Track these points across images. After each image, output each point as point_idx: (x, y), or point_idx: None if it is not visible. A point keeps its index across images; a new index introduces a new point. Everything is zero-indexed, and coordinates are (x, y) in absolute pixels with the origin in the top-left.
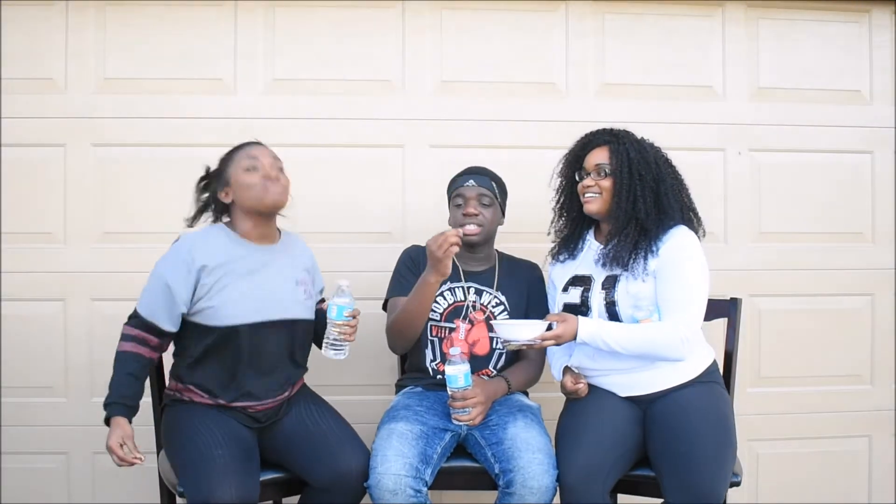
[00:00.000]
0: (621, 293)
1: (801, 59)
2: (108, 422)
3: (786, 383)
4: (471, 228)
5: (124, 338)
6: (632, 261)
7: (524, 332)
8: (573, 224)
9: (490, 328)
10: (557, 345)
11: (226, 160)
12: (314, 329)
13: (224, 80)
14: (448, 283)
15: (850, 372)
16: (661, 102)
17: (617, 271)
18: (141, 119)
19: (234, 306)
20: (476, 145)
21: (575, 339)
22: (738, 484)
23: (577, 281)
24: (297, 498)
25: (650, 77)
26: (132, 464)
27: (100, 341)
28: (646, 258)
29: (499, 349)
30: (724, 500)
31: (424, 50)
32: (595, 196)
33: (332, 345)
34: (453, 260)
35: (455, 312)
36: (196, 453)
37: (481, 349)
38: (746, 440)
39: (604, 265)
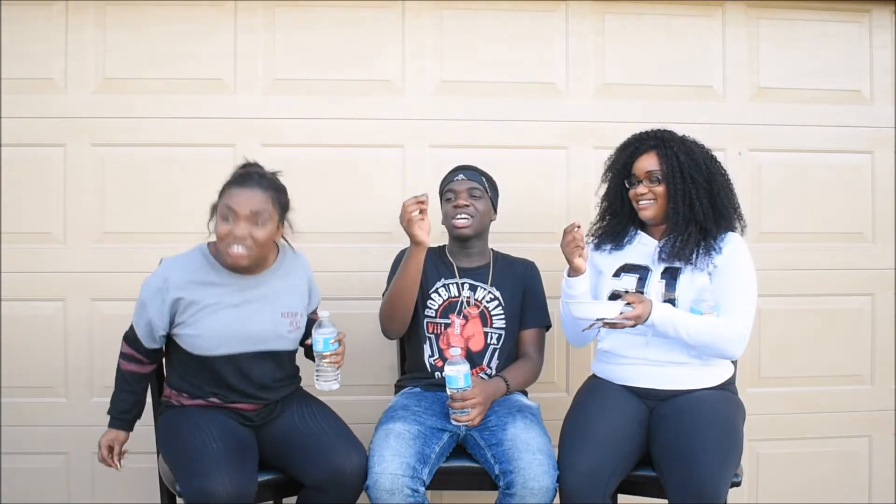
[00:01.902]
0: (684, 285)
1: (801, 59)
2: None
3: (786, 383)
4: (461, 222)
5: (122, 356)
6: (695, 256)
7: (607, 309)
8: (619, 220)
9: (485, 323)
10: (634, 325)
11: (223, 187)
12: (301, 342)
13: (224, 80)
14: (442, 279)
15: (850, 372)
16: (660, 102)
17: (678, 264)
18: (141, 119)
19: (208, 339)
20: (476, 145)
21: (646, 320)
22: (738, 484)
23: (630, 269)
24: (296, 498)
25: (650, 77)
26: (109, 466)
27: (100, 341)
28: (709, 254)
29: (493, 345)
30: (725, 501)
31: (424, 50)
32: (650, 203)
33: (324, 376)
34: (448, 258)
35: (450, 308)
36: (191, 448)
37: (476, 345)
38: (747, 440)
39: (663, 259)
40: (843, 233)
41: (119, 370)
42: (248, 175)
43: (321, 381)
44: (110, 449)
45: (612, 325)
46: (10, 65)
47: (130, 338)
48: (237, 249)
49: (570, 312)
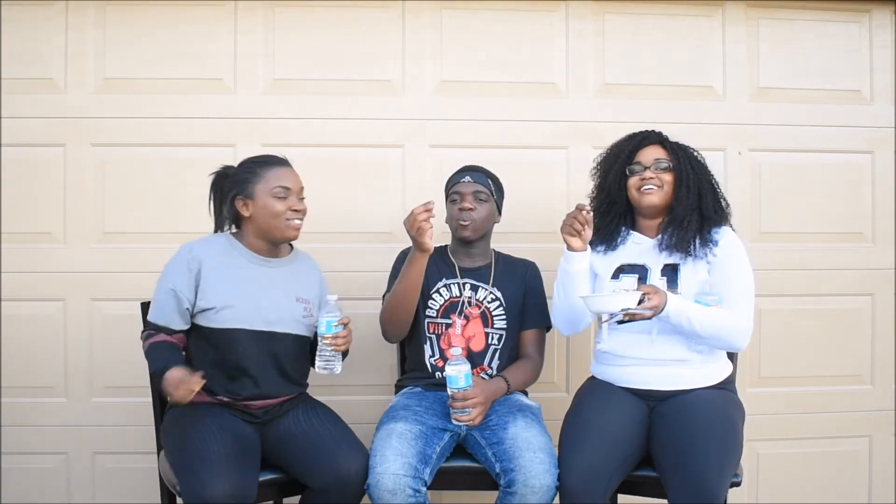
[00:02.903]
0: (687, 280)
1: (801, 59)
2: (160, 380)
3: (786, 383)
4: (465, 225)
5: (150, 337)
6: (693, 247)
7: (628, 300)
8: (612, 218)
9: (486, 323)
10: (652, 317)
11: (251, 171)
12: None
13: (224, 80)
14: (444, 279)
15: (850, 372)
16: (661, 102)
17: (677, 259)
18: (141, 119)
19: (224, 311)
20: (476, 145)
21: (662, 311)
22: (738, 484)
23: (629, 269)
24: (296, 498)
25: (650, 77)
26: (192, 389)
27: (100, 341)
28: (706, 246)
29: (494, 345)
30: (725, 500)
31: (424, 50)
32: (654, 189)
33: (325, 360)
34: (450, 257)
35: (451, 308)
36: (192, 450)
37: (477, 345)
38: (747, 440)
39: (662, 250)
40: (843, 233)
41: (154, 344)
42: (276, 157)
43: (320, 364)
44: (183, 382)
45: (633, 317)
46: (10, 65)
47: (155, 328)
48: (298, 222)
49: (567, 298)
